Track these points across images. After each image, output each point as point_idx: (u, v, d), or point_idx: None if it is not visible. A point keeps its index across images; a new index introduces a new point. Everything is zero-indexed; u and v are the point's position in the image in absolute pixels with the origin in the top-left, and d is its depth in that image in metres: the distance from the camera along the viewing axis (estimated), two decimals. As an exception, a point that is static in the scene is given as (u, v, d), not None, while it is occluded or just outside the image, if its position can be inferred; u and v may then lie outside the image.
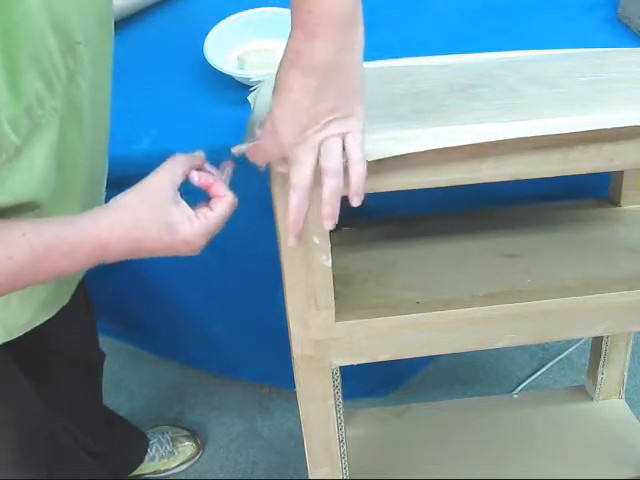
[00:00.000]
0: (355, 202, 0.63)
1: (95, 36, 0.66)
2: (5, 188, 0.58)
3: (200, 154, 0.68)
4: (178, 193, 0.63)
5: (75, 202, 0.70)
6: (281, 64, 0.60)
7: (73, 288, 0.84)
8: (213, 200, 0.66)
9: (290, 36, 0.59)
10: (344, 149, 0.61)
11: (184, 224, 0.63)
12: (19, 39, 0.53)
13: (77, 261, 0.61)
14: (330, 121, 0.60)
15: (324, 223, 0.63)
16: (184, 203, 0.63)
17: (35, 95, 0.57)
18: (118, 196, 0.63)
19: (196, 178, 0.66)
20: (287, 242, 0.66)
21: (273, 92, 0.61)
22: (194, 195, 0.66)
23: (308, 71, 0.58)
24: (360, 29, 0.59)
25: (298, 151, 0.61)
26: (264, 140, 0.62)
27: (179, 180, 0.64)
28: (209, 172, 0.68)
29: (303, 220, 0.63)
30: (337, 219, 0.63)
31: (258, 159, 0.65)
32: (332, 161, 0.61)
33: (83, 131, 0.67)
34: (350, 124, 0.61)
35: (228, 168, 0.69)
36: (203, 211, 0.64)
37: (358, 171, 0.62)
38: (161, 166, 0.65)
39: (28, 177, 0.59)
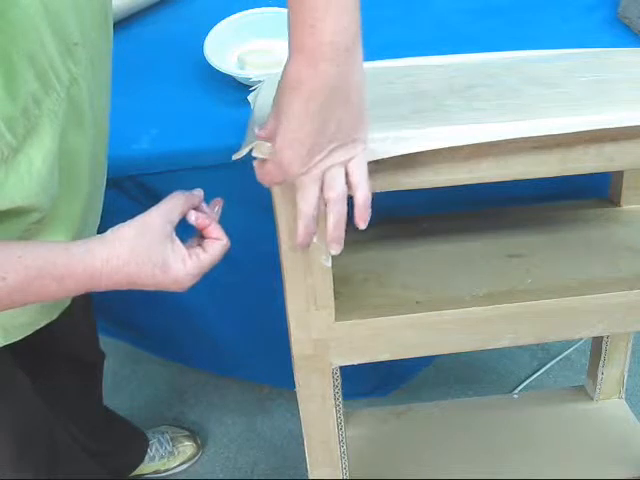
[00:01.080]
0: (361, 226, 0.64)
1: (93, 37, 0.66)
2: (3, 192, 0.58)
3: (199, 192, 0.70)
4: (174, 231, 0.65)
5: (77, 205, 0.71)
6: (281, 90, 0.59)
7: None
8: (207, 242, 0.68)
9: (289, 61, 0.57)
10: (346, 174, 0.62)
11: (177, 264, 0.64)
12: (14, 38, 0.53)
13: (67, 288, 0.62)
14: (334, 149, 0.60)
15: (331, 248, 0.65)
16: (179, 242, 0.65)
17: (32, 95, 0.57)
18: (115, 228, 0.64)
19: (193, 218, 0.68)
20: (293, 249, 0.69)
21: (275, 117, 0.60)
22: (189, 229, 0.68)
23: (311, 97, 0.57)
24: (361, 48, 0.58)
25: (303, 179, 0.61)
26: (269, 167, 0.62)
27: (176, 219, 0.66)
28: (204, 212, 0.69)
29: (311, 241, 0.66)
30: (343, 245, 0.65)
31: (265, 182, 0.65)
32: (336, 191, 0.62)
33: (85, 134, 0.67)
34: (353, 150, 0.61)
35: (218, 207, 0.71)
36: (196, 252, 0.66)
37: (362, 198, 0.63)
38: (161, 203, 0.66)
39: (27, 181, 0.59)
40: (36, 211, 0.63)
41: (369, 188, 0.63)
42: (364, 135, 0.62)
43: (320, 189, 0.62)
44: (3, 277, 0.58)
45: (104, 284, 0.63)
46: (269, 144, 0.65)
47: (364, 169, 0.62)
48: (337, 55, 0.56)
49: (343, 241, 0.65)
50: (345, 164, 0.62)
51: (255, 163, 0.64)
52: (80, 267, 0.61)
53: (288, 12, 0.56)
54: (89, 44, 0.65)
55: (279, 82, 0.60)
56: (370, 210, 0.64)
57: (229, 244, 0.68)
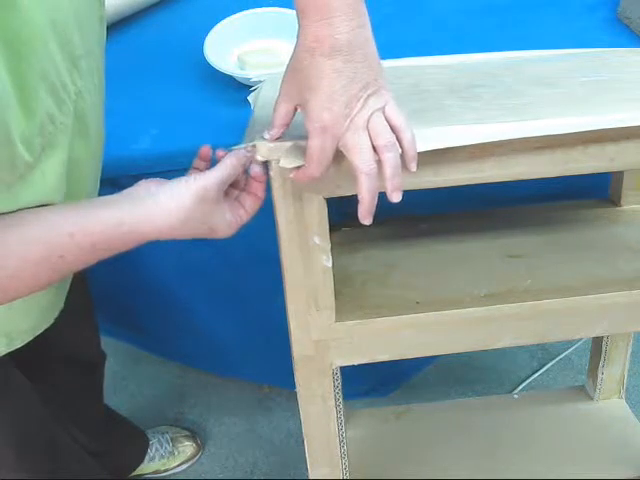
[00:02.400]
0: (412, 167, 0.63)
1: (93, 48, 0.66)
2: (16, 202, 0.58)
3: (246, 152, 0.68)
4: (222, 194, 0.65)
5: None
6: (299, 55, 0.59)
7: (67, 290, 0.84)
8: (248, 198, 0.68)
9: (302, 25, 0.58)
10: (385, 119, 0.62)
11: (223, 227, 0.66)
12: (28, 57, 0.53)
13: (115, 252, 0.62)
14: (367, 97, 0.60)
15: (393, 195, 0.63)
16: (225, 205, 0.65)
17: (46, 112, 0.57)
18: (170, 190, 0.62)
19: (257, 169, 0.67)
20: (363, 220, 0.64)
21: (299, 89, 0.60)
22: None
23: (333, 54, 0.58)
24: (364, 6, 0.59)
25: (350, 136, 0.61)
26: (312, 142, 0.61)
27: (226, 186, 0.65)
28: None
29: (376, 201, 0.63)
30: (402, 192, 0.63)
31: (314, 170, 0.63)
32: (384, 137, 0.61)
33: (89, 143, 0.67)
34: (385, 96, 0.61)
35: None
36: (239, 213, 0.67)
37: (407, 138, 0.62)
38: (217, 169, 0.64)
39: (40, 190, 0.60)
40: None
41: (411, 127, 0.63)
42: (385, 82, 0.62)
43: (369, 140, 0.61)
44: (61, 255, 0.58)
45: (153, 239, 0.63)
46: (271, 144, 0.65)
47: (399, 111, 0.62)
48: (349, 7, 0.57)
49: (402, 190, 0.63)
50: (382, 110, 0.61)
51: (297, 173, 0.64)
52: (131, 239, 0.61)
53: None
54: (90, 55, 0.65)
55: (291, 58, 0.60)
56: (416, 149, 0.63)
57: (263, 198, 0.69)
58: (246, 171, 0.67)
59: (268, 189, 0.72)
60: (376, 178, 0.61)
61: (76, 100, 0.62)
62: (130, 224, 0.61)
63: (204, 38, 1.05)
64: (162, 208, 0.61)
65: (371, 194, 0.62)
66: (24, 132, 0.54)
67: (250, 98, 0.79)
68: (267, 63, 1.02)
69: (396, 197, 0.63)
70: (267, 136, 0.65)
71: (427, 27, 1.13)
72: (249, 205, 0.68)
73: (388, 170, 0.61)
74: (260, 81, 0.83)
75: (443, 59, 0.84)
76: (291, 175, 0.65)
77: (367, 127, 0.61)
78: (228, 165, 0.65)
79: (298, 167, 0.64)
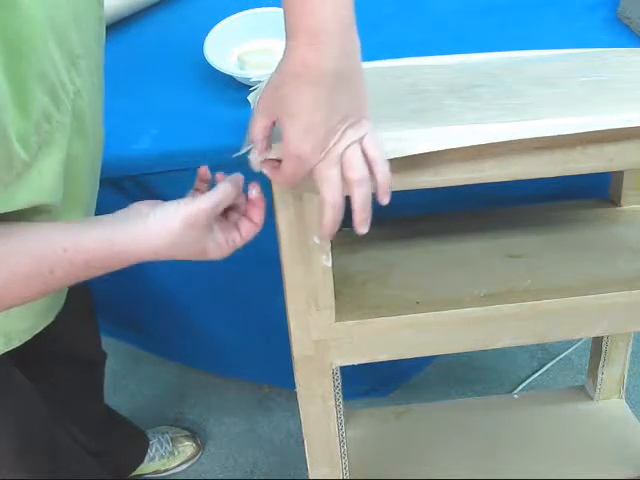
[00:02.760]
0: (385, 201, 0.63)
1: (92, 48, 0.66)
2: (13, 202, 0.58)
3: (241, 179, 0.68)
4: (214, 219, 0.64)
5: (80, 207, 0.71)
6: (283, 77, 0.57)
7: (66, 290, 0.84)
8: (244, 224, 0.67)
9: (290, 46, 0.56)
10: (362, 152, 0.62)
11: (215, 251, 0.65)
12: (26, 56, 0.53)
13: (108, 270, 0.62)
14: (346, 128, 0.60)
15: (359, 229, 0.63)
16: (217, 229, 0.65)
17: (42, 111, 0.57)
18: (160, 215, 0.62)
19: (254, 192, 0.68)
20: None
21: (279, 109, 0.59)
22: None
23: (318, 83, 0.56)
24: (356, 32, 0.58)
25: (323, 167, 0.61)
26: (285, 164, 0.61)
27: (220, 211, 0.65)
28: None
29: (337, 229, 0.64)
30: (369, 223, 0.64)
31: (282, 183, 0.64)
32: (357, 171, 0.61)
33: (86, 143, 0.67)
34: (364, 126, 0.61)
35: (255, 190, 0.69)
36: (233, 237, 0.66)
37: (382, 171, 0.62)
38: (211, 194, 0.64)
39: (37, 190, 0.59)
40: (45, 212, 0.63)
41: (386, 161, 0.62)
42: (368, 113, 0.61)
43: (340, 173, 0.61)
44: (51, 271, 0.58)
45: (148, 260, 0.63)
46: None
47: (378, 143, 0.62)
48: (340, 34, 0.56)
49: (369, 221, 0.63)
50: (360, 142, 0.61)
51: (267, 167, 0.64)
52: (122, 258, 0.61)
53: (283, 5, 0.56)
54: (89, 55, 0.65)
55: (274, 76, 0.58)
56: (391, 183, 0.63)
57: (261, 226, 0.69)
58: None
59: (268, 190, 0.72)
60: (340, 210, 0.62)
61: (74, 99, 0.62)
62: (121, 244, 0.61)
63: (204, 38, 1.05)
64: (150, 231, 0.61)
65: (333, 224, 0.63)
66: (20, 130, 0.54)
67: (250, 98, 0.79)
68: (267, 63, 1.02)
69: (363, 229, 0.63)
70: (256, 154, 0.64)
71: (427, 27, 1.13)
72: (245, 231, 0.67)
73: (357, 204, 0.62)
74: (260, 81, 0.83)
75: (443, 59, 0.83)
76: (265, 171, 0.65)
77: (341, 159, 0.61)
78: (221, 191, 0.64)
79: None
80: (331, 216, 0.62)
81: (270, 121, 0.62)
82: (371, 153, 0.62)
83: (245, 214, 0.68)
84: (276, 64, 0.59)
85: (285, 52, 0.57)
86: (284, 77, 0.57)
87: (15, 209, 0.58)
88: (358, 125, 0.60)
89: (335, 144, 0.60)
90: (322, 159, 0.60)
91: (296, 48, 0.56)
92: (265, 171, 0.65)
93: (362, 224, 0.63)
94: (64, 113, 0.60)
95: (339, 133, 0.60)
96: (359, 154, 0.61)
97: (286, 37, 0.57)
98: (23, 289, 0.59)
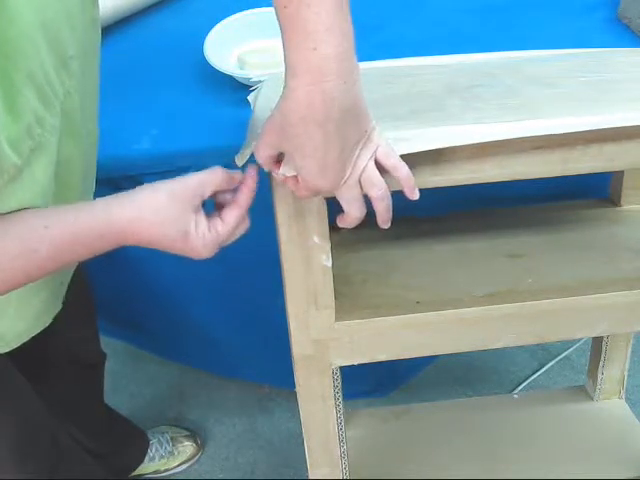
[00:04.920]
0: (414, 197, 0.65)
1: (85, 48, 0.66)
2: (4, 204, 0.58)
3: (239, 175, 0.67)
4: (201, 204, 0.64)
5: None
6: (289, 119, 0.57)
7: (64, 292, 0.84)
8: (225, 211, 0.65)
9: (292, 86, 0.55)
10: (378, 163, 0.63)
11: (198, 236, 0.63)
12: (14, 58, 0.53)
13: (95, 249, 0.61)
14: (359, 153, 0.61)
15: (383, 226, 0.66)
16: (202, 214, 0.64)
17: (34, 114, 0.57)
18: (146, 188, 0.62)
19: (252, 171, 0.67)
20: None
21: (288, 147, 0.59)
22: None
23: (326, 122, 0.56)
24: (355, 58, 0.57)
25: (344, 191, 0.63)
26: (304, 193, 0.63)
27: (208, 194, 0.64)
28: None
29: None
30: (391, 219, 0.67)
31: (303, 197, 0.66)
32: (376, 187, 0.63)
33: (78, 142, 0.67)
34: (374, 141, 0.62)
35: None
36: (215, 224, 0.65)
37: (404, 174, 0.64)
38: (199, 173, 0.64)
39: (28, 191, 0.59)
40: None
41: (404, 163, 0.64)
42: (372, 121, 0.62)
43: (361, 189, 0.63)
44: (35, 249, 0.57)
45: (130, 241, 0.62)
46: None
47: (390, 149, 0.63)
48: (343, 69, 0.55)
49: (391, 218, 0.66)
50: (374, 157, 0.62)
51: (290, 183, 0.64)
52: (106, 229, 0.60)
53: (282, 35, 0.55)
54: (82, 55, 0.65)
55: (278, 113, 0.58)
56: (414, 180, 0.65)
57: (248, 221, 0.67)
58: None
59: (269, 190, 0.72)
60: (362, 217, 0.65)
61: (64, 100, 0.62)
62: (103, 210, 0.60)
63: (204, 38, 1.05)
64: (136, 197, 0.62)
65: (354, 224, 0.66)
66: (10, 134, 0.54)
67: (250, 98, 0.79)
68: (267, 63, 1.02)
69: (386, 225, 0.66)
70: (274, 172, 0.64)
71: (427, 27, 1.13)
72: (226, 213, 0.65)
73: (381, 214, 0.65)
74: (260, 81, 0.83)
75: (443, 59, 0.83)
76: (284, 181, 0.65)
77: (360, 180, 0.62)
78: (209, 171, 0.64)
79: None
80: (354, 222, 0.66)
81: (276, 152, 0.62)
82: (388, 162, 0.63)
83: (233, 201, 0.67)
84: (276, 64, 0.59)
85: (286, 90, 0.56)
86: (290, 118, 0.57)
87: (5, 211, 0.58)
88: (369, 142, 0.61)
89: (353, 170, 0.61)
90: (342, 185, 0.62)
91: (299, 88, 0.55)
92: (290, 187, 0.65)
93: (385, 223, 0.66)
94: (54, 115, 0.60)
95: (354, 159, 0.61)
96: (375, 171, 0.63)
97: (286, 73, 0.56)
98: (9, 272, 0.58)
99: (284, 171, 0.63)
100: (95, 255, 0.63)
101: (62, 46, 0.60)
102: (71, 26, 0.61)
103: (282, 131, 0.59)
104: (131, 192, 0.62)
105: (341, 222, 0.67)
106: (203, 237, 0.63)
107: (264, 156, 0.62)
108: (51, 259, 0.59)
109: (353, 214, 0.64)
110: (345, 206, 0.64)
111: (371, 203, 0.65)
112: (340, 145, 0.58)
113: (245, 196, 0.66)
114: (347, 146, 0.59)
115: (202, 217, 0.64)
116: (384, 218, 0.65)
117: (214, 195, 0.65)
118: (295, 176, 0.63)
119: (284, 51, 0.56)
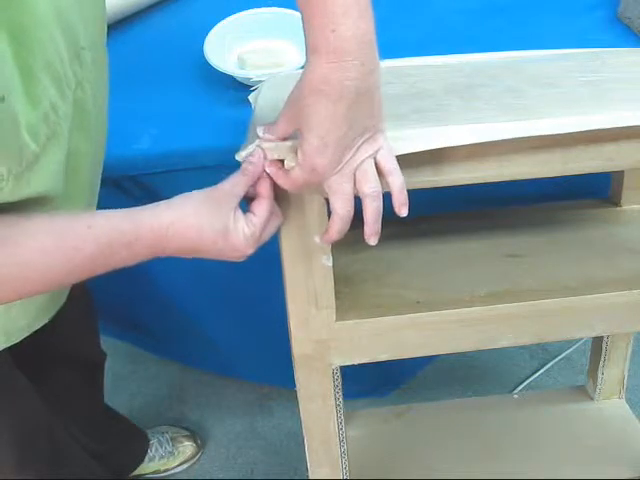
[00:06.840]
0: (403, 213, 0.65)
1: (96, 40, 0.67)
2: (23, 191, 0.58)
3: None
4: (238, 204, 0.64)
5: (81, 200, 0.71)
6: (305, 92, 0.58)
7: (68, 288, 0.84)
8: (254, 204, 0.66)
9: (312, 63, 0.57)
10: (376, 164, 0.63)
11: (237, 230, 0.64)
12: (32, 46, 0.53)
13: (135, 254, 0.61)
14: (362, 144, 0.61)
15: (370, 241, 0.65)
16: (240, 212, 0.64)
17: (50, 102, 0.57)
18: (181, 196, 0.63)
19: (272, 167, 0.66)
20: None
21: (291, 121, 0.60)
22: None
23: (339, 99, 0.57)
24: (376, 49, 0.58)
25: (336, 181, 0.62)
26: (298, 173, 0.62)
27: (241, 193, 0.65)
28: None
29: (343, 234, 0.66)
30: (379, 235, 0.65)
31: (290, 188, 0.65)
32: (370, 185, 0.62)
33: (88, 135, 0.67)
34: (378, 140, 0.62)
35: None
36: (249, 217, 0.65)
37: (398, 183, 0.64)
38: (231, 177, 0.65)
39: (44, 179, 0.59)
40: (47, 203, 0.62)
41: (401, 174, 0.64)
42: (383, 125, 0.62)
43: (354, 186, 0.62)
44: (77, 247, 0.58)
45: (171, 248, 0.62)
46: (272, 144, 0.65)
47: (392, 155, 0.63)
48: (361, 52, 0.56)
49: (379, 234, 0.65)
50: (374, 156, 0.62)
51: (272, 168, 0.64)
52: (147, 231, 0.60)
53: (302, 16, 0.57)
54: (93, 48, 0.65)
55: (296, 87, 0.59)
56: (406, 198, 0.64)
57: (280, 214, 0.68)
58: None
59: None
60: (348, 221, 0.64)
61: (75, 90, 0.62)
62: (144, 217, 0.61)
63: (204, 38, 1.05)
64: (171, 204, 0.62)
65: (340, 234, 0.65)
66: (30, 121, 0.54)
67: (250, 98, 0.79)
68: (267, 63, 1.02)
69: (373, 241, 0.65)
70: (261, 133, 0.64)
71: (427, 27, 1.13)
72: (255, 207, 0.66)
73: (369, 217, 0.64)
74: (260, 81, 0.83)
75: (443, 59, 0.83)
76: (269, 171, 0.65)
77: (355, 173, 0.62)
78: (238, 173, 0.65)
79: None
80: (339, 227, 0.64)
81: (293, 128, 0.62)
82: (386, 166, 0.63)
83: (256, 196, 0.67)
84: (276, 64, 0.60)
85: (306, 64, 0.58)
86: (306, 90, 0.58)
87: (23, 198, 0.58)
88: (373, 139, 0.61)
89: (350, 159, 0.61)
90: (336, 173, 0.61)
91: (317, 63, 0.57)
92: (269, 171, 0.65)
93: (373, 236, 0.65)
94: (67, 103, 0.60)
95: (355, 148, 0.61)
96: (373, 169, 0.62)
97: (306, 48, 0.58)
98: (48, 267, 0.58)
99: (289, 160, 0.63)
100: (135, 262, 0.63)
101: (75, 36, 0.60)
102: (84, 18, 0.62)
103: (297, 103, 0.59)
104: (166, 200, 0.63)
105: (325, 237, 0.66)
106: (243, 232, 0.64)
107: (281, 131, 0.63)
108: (91, 260, 0.59)
109: (338, 211, 0.63)
110: (332, 200, 0.63)
111: (361, 208, 0.64)
112: (346, 126, 0.58)
113: (263, 184, 0.66)
114: (353, 131, 0.59)
115: (240, 213, 0.64)
116: (372, 228, 0.64)
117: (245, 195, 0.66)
118: (286, 170, 0.63)
119: (304, 31, 0.57)
